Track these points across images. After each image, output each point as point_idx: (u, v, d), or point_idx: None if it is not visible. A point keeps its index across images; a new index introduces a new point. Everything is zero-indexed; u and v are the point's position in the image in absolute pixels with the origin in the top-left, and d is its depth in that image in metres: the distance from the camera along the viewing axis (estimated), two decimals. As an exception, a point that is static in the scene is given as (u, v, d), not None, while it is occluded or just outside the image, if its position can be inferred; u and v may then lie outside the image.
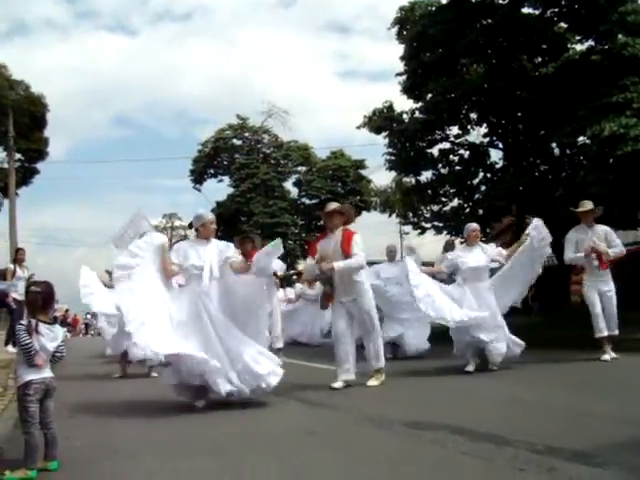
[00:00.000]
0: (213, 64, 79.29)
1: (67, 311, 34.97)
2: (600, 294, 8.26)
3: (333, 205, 7.20)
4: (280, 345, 9.77)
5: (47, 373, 3.60)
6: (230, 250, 6.05)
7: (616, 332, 8.26)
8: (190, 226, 6.40)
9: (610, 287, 8.33)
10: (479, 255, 7.89)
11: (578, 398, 5.60)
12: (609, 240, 8.37)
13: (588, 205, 8.44)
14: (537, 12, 12.99)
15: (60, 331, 3.80)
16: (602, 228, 8.46)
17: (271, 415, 5.48)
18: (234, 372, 5.48)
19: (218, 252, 5.89)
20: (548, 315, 13.93)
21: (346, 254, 6.64)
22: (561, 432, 4.11)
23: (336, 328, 6.87)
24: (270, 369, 5.66)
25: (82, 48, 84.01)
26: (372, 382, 6.75)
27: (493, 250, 8.02)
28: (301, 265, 7.24)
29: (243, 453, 4.03)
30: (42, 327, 3.61)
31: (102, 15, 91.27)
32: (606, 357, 7.99)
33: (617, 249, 8.38)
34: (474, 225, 8.31)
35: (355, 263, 6.67)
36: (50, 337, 3.65)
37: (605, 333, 8.15)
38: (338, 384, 6.55)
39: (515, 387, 6.35)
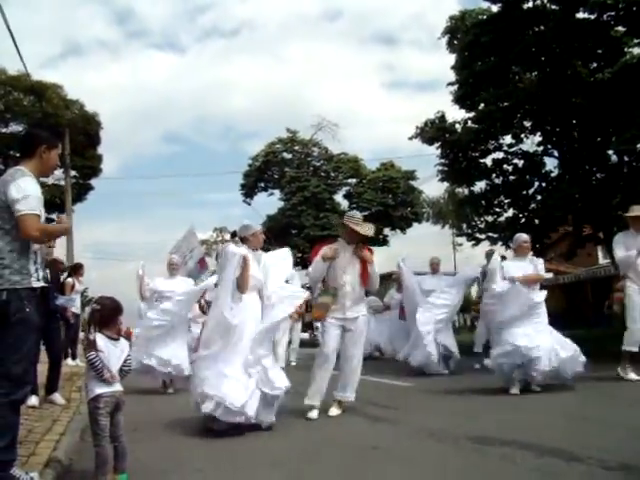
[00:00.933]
0: (261, 79, 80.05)
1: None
2: None
3: (371, 230, 6.23)
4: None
5: (117, 387, 3.63)
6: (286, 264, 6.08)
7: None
8: (234, 235, 6.16)
9: None
10: (527, 268, 7.38)
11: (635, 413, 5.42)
12: None
13: (638, 210, 8.04)
14: (592, 17, 12.71)
15: (126, 345, 3.84)
16: None
17: (333, 429, 5.46)
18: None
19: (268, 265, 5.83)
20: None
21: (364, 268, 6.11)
22: (630, 449, 3.97)
23: (328, 348, 6.06)
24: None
25: (132, 66, 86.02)
26: (336, 412, 6.01)
27: (541, 265, 7.49)
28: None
29: (306, 466, 4.02)
30: (102, 342, 3.64)
31: (151, 34, 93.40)
32: (632, 376, 7.34)
33: None
34: (525, 236, 7.87)
35: (377, 277, 6.30)
36: (115, 352, 3.68)
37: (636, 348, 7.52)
38: (315, 414, 5.89)
39: (574, 402, 6.18)
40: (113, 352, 3.67)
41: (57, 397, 6.57)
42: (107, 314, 3.78)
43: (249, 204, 37.18)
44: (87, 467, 3.65)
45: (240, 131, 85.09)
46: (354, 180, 36.00)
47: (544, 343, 6.74)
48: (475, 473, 3.66)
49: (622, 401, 6.16)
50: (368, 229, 6.11)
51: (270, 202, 50.19)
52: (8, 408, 3.33)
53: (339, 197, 36.05)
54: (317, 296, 6.29)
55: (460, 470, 3.75)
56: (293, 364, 11.71)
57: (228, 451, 4.56)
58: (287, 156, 36.60)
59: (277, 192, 36.50)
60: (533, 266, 7.40)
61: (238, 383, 5.13)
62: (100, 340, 3.64)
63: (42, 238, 3.65)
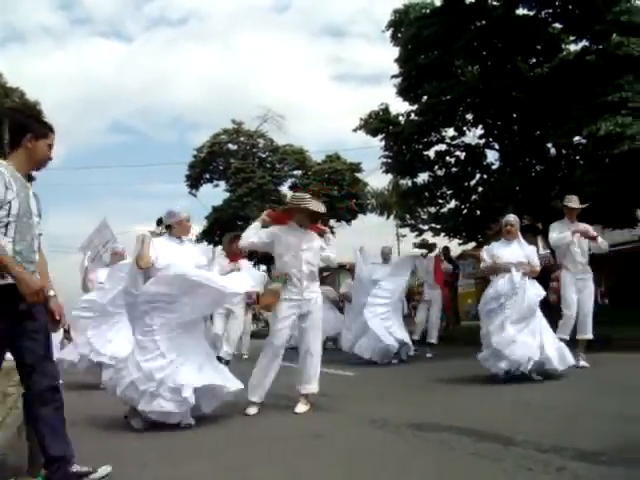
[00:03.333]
0: (208, 69, 79.21)
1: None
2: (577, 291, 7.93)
3: (322, 206, 6.14)
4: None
5: None
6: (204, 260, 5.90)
7: (589, 336, 7.87)
8: (159, 222, 5.84)
9: (587, 285, 8.01)
10: (516, 251, 7.15)
11: (583, 397, 5.61)
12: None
13: (575, 202, 8.21)
14: (531, 13, 13.03)
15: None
16: (584, 225, 8.18)
17: (276, 418, 5.48)
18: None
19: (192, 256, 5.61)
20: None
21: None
22: (567, 432, 4.11)
23: (279, 341, 5.79)
24: None
25: (77, 55, 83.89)
26: (304, 408, 5.73)
27: (531, 248, 7.32)
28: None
29: (248, 457, 4.04)
30: None
31: (97, 21, 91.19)
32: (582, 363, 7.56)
33: (605, 242, 8.11)
34: (509, 218, 7.45)
35: (334, 258, 6.17)
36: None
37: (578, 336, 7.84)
38: (254, 410, 5.69)
39: (521, 389, 6.32)
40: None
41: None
42: None
43: (195, 195, 36.78)
44: (20, 463, 3.61)
45: (187, 122, 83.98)
46: (300, 172, 36.01)
47: (528, 350, 6.57)
48: (413, 458, 3.74)
49: (569, 387, 6.34)
50: (319, 206, 6.03)
51: (216, 193, 49.74)
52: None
53: (285, 188, 36.02)
54: (267, 284, 6.14)
55: (399, 456, 3.82)
56: (245, 357, 11.68)
57: (170, 444, 4.55)
58: (232, 147, 36.31)
59: (222, 183, 36.23)
60: (523, 252, 7.18)
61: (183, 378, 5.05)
62: None
63: None
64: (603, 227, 8.93)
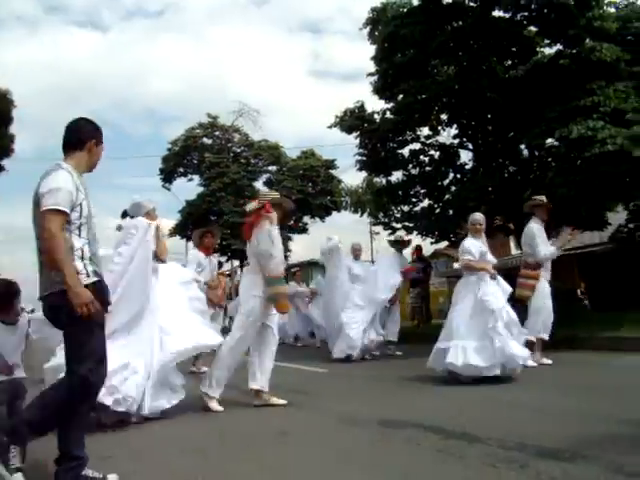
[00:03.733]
0: (185, 62, 78.68)
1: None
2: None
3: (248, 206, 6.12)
4: None
5: (15, 374, 3.54)
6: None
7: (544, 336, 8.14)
8: (124, 215, 5.76)
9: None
10: (482, 248, 7.25)
11: (546, 396, 5.70)
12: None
13: (544, 198, 8.49)
14: (507, 15, 13.13)
15: (25, 326, 3.74)
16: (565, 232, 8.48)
17: (240, 414, 5.48)
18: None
19: None
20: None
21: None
22: (532, 429, 4.18)
23: (250, 337, 5.87)
24: None
25: (52, 44, 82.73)
26: (260, 401, 5.80)
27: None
28: None
29: (218, 452, 4.04)
30: None
31: (72, 10, 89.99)
32: (545, 360, 7.87)
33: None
34: (475, 217, 7.56)
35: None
36: (10, 340, 3.57)
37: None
38: (217, 405, 5.70)
39: (488, 386, 6.39)
40: (8, 340, 3.56)
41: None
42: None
43: (168, 189, 36.51)
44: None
45: (162, 114, 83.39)
46: (274, 167, 35.94)
47: (482, 360, 6.58)
48: (380, 455, 3.77)
49: (534, 386, 6.44)
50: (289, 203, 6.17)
51: (189, 187, 49.57)
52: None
53: (259, 184, 35.90)
54: (269, 287, 5.79)
55: (366, 452, 3.86)
56: None
57: (140, 439, 4.55)
58: (207, 141, 36.10)
59: (196, 177, 36.02)
60: (488, 247, 7.36)
61: (134, 374, 4.99)
62: None
63: (50, 247, 3.16)
64: (573, 228, 9.04)
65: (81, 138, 3.58)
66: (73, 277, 3.14)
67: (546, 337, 8.08)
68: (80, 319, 3.17)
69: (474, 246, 7.26)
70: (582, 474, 3.16)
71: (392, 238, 11.51)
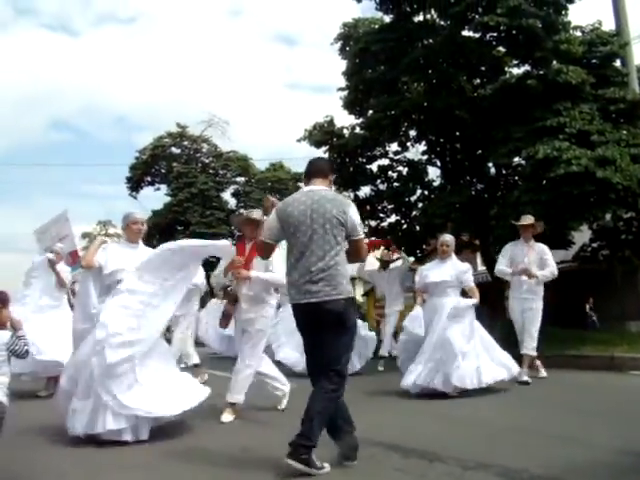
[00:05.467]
0: (156, 70, 78.28)
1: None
2: (522, 311, 8.35)
3: (255, 213, 6.23)
4: (196, 361, 9.03)
5: None
6: None
7: (531, 353, 8.16)
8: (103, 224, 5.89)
9: (532, 305, 8.29)
10: (447, 270, 7.31)
11: (508, 414, 5.72)
12: (543, 260, 8.41)
13: (529, 220, 8.56)
14: (477, 35, 13.29)
15: (6, 335, 3.69)
16: (539, 246, 8.53)
17: (201, 430, 5.39)
18: None
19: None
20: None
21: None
22: (492, 448, 4.18)
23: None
24: None
25: (20, 46, 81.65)
26: (229, 417, 5.81)
27: (464, 267, 7.46)
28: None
29: (176, 468, 3.96)
30: None
31: (43, 13, 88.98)
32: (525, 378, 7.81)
33: (547, 272, 8.34)
34: (444, 238, 7.65)
35: (277, 279, 5.73)
36: None
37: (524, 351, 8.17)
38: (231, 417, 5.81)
39: (450, 404, 6.40)
40: None
41: None
42: None
43: (135, 198, 36.25)
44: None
45: (131, 122, 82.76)
46: (243, 179, 35.90)
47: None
48: (340, 473, 3.74)
49: (497, 404, 6.46)
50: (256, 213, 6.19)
51: (157, 197, 49.18)
52: (335, 400, 3.90)
53: (227, 195, 35.86)
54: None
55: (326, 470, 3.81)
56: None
57: (97, 455, 4.43)
58: (176, 151, 36.01)
59: (164, 187, 35.82)
60: (455, 271, 7.34)
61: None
62: None
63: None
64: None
65: (329, 170, 4.40)
66: None
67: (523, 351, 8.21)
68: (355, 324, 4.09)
69: (419, 272, 7.79)
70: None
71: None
